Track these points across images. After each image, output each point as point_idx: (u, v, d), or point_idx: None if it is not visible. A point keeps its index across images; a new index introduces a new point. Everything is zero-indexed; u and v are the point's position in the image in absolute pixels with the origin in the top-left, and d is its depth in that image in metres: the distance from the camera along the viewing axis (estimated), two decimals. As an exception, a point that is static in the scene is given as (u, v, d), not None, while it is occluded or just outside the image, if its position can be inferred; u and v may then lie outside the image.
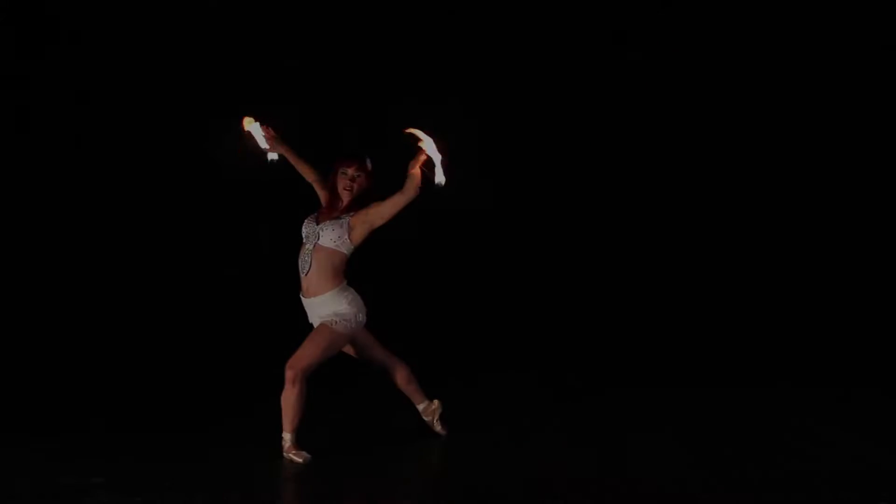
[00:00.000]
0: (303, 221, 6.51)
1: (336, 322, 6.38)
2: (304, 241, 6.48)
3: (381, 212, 6.36)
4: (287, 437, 6.34)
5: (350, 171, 6.46)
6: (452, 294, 10.11)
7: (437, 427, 6.81)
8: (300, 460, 6.30)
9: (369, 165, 6.51)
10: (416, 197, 6.29)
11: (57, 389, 8.29)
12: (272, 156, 6.64)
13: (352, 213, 6.43)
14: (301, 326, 6.46)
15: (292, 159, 6.69)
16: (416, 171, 6.27)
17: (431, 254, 9.95)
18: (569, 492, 5.77)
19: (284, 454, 6.34)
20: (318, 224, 6.46)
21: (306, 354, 6.33)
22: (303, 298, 6.51)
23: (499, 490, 5.82)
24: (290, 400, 6.31)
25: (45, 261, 9.97)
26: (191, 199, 10.10)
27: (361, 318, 6.45)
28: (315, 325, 6.49)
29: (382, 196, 6.35)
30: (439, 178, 6.26)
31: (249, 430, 6.95)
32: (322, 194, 6.62)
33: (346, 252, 6.41)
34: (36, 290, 9.92)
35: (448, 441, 6.71)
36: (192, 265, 10.09)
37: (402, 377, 6.73)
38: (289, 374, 6.29)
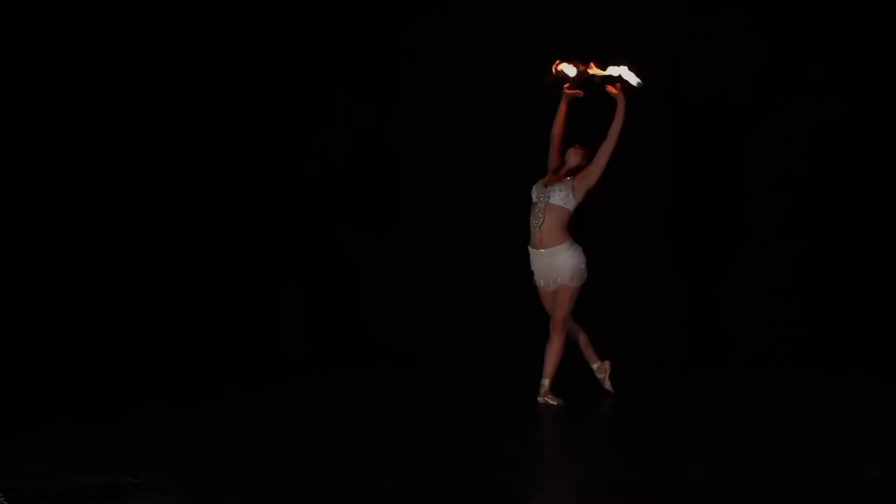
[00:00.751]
0: (531, 186, 7.80)
1: (572, 277, 7.61)
2: (535, 201, 7.71)
3: (597, 163, 7.64)
4: (546, 382, 7.64)
5: (571, 149, 7.77)
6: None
7: (607, 385, 8.01)
8: (555, 403, 7.61)
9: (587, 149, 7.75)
10: (623, 123, 7.56)
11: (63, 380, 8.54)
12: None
13: (572, 177, 7.68)
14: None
15: (562, 115, 7.89)
16: (617, 92, 7.60)
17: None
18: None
19: (540, 398, 7.61)
20: (546, 187, 7.68)
21: (562, 312, 7.68)
22: (534, 250, 7.75)
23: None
24: (553, 349, 7.67)
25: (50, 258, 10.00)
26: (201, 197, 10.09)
27: (586, 271, 7.67)
28: (542, 274, 7.73)
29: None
30: (635, 80, 7.65)
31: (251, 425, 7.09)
32: (553, 159, 7.87)
33: (571, 209, 7.66)
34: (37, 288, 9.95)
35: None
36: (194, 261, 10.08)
37: (583, 339, 7.96)
38: (555, 328, 7.67)
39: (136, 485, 5.64)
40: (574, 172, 7.76)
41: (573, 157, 7.79)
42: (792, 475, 5.91)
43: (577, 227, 7.80)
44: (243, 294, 10.00)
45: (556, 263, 7.70)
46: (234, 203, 10.01)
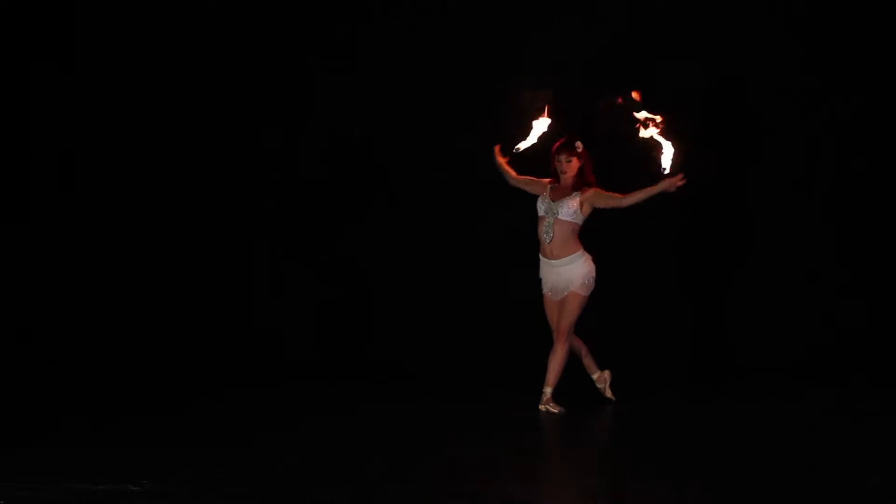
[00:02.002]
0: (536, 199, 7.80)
1: (581, 286, 7.65)
2: (542, 215, 7.72)
3: (601, 201, 7.63)
4: (548, 390, 7.66)
5: (563, 157, 7.71)
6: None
7: (608, 393, 8.04)
8: (556, 411, 7.63)
9: (580, 148, 7.71)
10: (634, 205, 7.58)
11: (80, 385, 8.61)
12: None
13: (580, 191, 7.66)
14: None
15: (510, 172, 7.88)
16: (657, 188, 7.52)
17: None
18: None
19: (541, 406, 7.64)
20: (553, 202, 7.66)
21: (568, 320, 7.70)
22: (547, 261, 7.75)
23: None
24: (557, 358, 7.69)
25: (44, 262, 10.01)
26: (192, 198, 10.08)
27: (594, 281, 7.71)
28: (551, 283, 7.74)
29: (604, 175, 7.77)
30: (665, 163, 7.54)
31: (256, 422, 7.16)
32: (537, 186, 7.82)
33: (579, 223, 7.68)
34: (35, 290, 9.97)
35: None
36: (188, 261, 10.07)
37: (583, 350, 7.97)
38: (559, 337, 7.68)
39: (137, 493, 5.66)
40: (579, 180, 7.71)
41: (570, 164, 7.72)
42: (793, 485, 5.92)
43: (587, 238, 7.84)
44: (236, 296, 10.02)
45: (568, 272, 7.72)
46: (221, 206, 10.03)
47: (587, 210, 7.70)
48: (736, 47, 9.63)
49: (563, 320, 7.76)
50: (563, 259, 7.72)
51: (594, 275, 7.76)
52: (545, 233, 7.74)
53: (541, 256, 7.85)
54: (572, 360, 7.92)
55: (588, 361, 8.05)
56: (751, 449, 6.69)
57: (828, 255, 9.68)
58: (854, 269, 9.66)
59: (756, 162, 9.77)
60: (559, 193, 7.77)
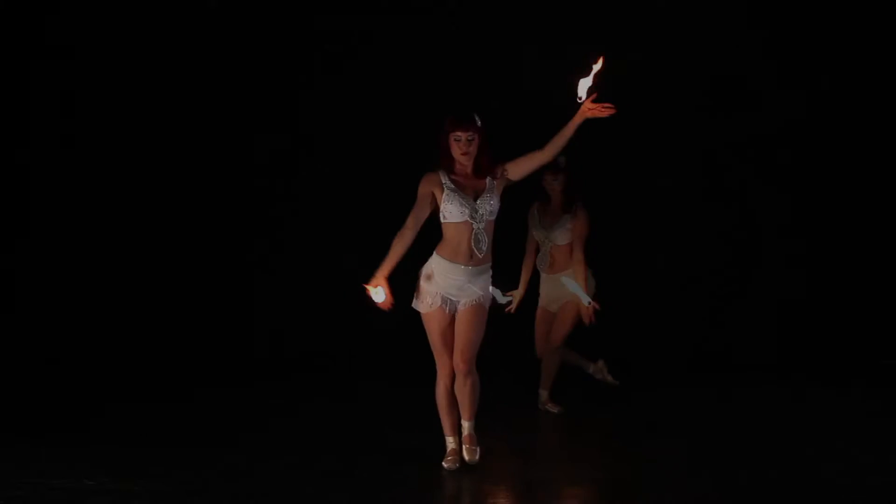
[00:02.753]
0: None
1: (580, 299, 7.49)
2: (540, 242, 7.76)
3: (579, 233, 7.61)
4: (544, 392, 7.83)
5: (549, 177, 7.63)
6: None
7: (609, 379, 8.02)
8: (555, 411, 7.78)
9: (563, 164, 7.56)
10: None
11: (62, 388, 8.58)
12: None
13: (571, 213, 7.64)
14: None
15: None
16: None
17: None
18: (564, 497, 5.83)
19: (541, 405, 7.80)
20: (545, 229, 7.73)
21: (561, 331, 7.74)
22: (548, 276, 7.78)
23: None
24: (548, 364, 7.79)
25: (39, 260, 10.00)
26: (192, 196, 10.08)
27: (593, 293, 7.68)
28: (550, 294, 7.75)
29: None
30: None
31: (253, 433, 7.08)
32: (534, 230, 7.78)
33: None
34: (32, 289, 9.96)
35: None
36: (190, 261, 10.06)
37: (574, 360, 8.01)
38: (551, 346, 7.76)
39: (137, 492, 5.67)
40: (568, 197, 7.68)
41: (557, 182, 7.67)
42: (793, 484, 5.92)
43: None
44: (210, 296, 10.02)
45: (569, 283, 7.64)
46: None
47: (579, 231, 7.68)
48: (735, 47, 9.64)
49: (556, 330, 7.76)
50: (565, 271, 7.70)
51: (594, 288, 7.74)
52: (542, 260, 7.80)
53: (541, 272, 7.86)
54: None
55: (582, 363, 8.05)
56: (751, 448, 6.68)
57: (828, 256, 9.68)
58: (854, 269, 9.67)
59: (756, 162, 9.78)
60: (550, 217, 7.77)
